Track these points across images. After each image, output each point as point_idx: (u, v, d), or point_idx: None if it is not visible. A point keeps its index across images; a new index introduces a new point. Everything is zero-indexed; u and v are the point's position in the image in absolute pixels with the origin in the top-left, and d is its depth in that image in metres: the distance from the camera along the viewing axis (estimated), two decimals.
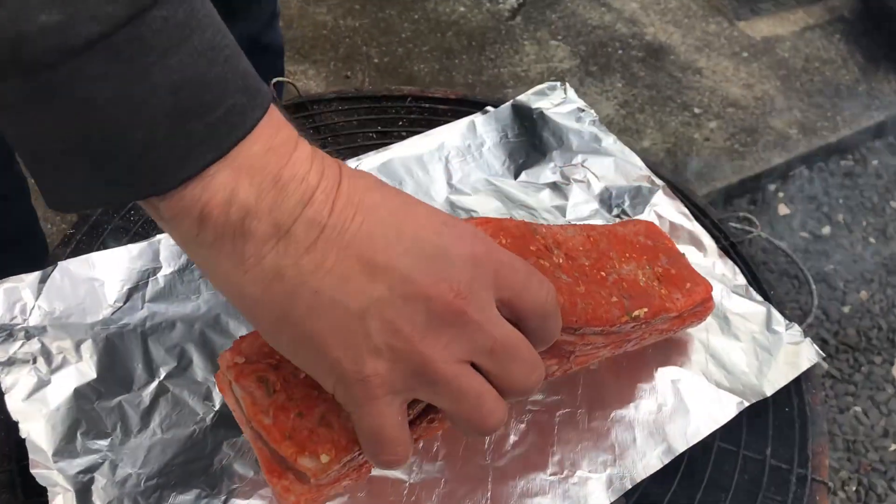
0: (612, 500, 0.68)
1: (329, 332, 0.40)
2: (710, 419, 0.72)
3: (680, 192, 0.96)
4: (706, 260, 0.86)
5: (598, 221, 0.89)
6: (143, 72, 0.34)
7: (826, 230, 2.06)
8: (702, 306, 0.75)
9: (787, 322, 0.80)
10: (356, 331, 0.39)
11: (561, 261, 0.64)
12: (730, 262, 0.86)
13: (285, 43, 2.35)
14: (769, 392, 0.75)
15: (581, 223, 0.74)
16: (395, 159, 0.93)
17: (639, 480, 0.69)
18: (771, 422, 0.77)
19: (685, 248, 0.87)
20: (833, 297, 1.90)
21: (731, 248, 0.91)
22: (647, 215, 0.89)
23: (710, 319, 0.80)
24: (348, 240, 0.39)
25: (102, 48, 0.33)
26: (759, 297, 0.83)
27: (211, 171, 0.37)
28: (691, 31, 2.58)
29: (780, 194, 2.16)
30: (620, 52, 2.51)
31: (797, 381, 0.80)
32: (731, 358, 0.78)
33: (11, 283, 0.77)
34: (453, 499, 0.67)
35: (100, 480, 0.68)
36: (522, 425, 0.71)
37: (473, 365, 0.43)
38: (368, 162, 0.92)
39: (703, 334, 0.80)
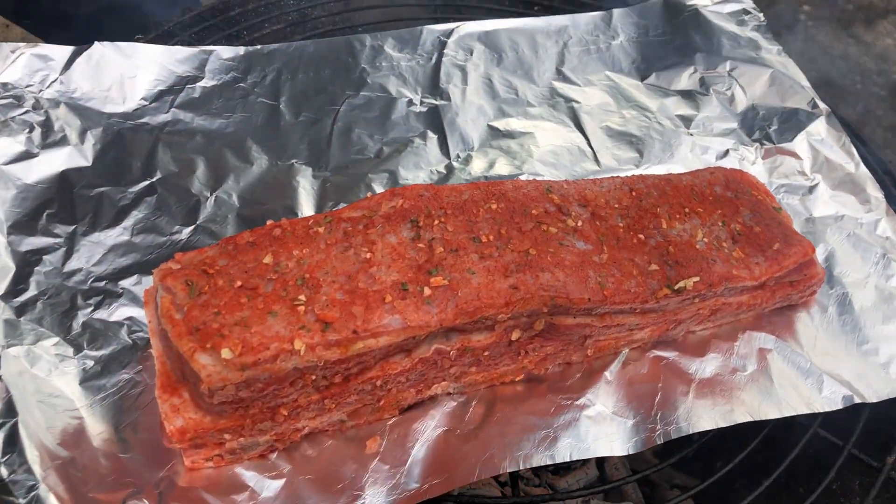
0: (630, 450, 0.49)
1: None
2: (799, 402, 0.52)
3: (859, 138, 0.73)
4: (867, 215, 0.64)
5: (731, 142, 0.69)
6: None
7: None
8: (799, 273, 0.55)
9: None
10: None
11: (580, 223, 0.53)
12: None
13: None
14: None
15: (629, 175, 0.59)
16: (501, 30, 0.78)
17: (673, 437, 0.50)
18: None
19: (840, 196, 0.66)
20: None
21: None
22: (797, 145, 0.68)
23: (847, 288, 0.59)
24: None
25: None
26: None
27: None
28: None
29: None
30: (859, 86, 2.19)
31: None
32: (863, 338, 0.56)
33: (41, 50, 0.70)
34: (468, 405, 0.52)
35: (46, 265, 0.59)
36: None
37: None
38: (472, 26, 0.78)
39: (829, 304, 0.58)
